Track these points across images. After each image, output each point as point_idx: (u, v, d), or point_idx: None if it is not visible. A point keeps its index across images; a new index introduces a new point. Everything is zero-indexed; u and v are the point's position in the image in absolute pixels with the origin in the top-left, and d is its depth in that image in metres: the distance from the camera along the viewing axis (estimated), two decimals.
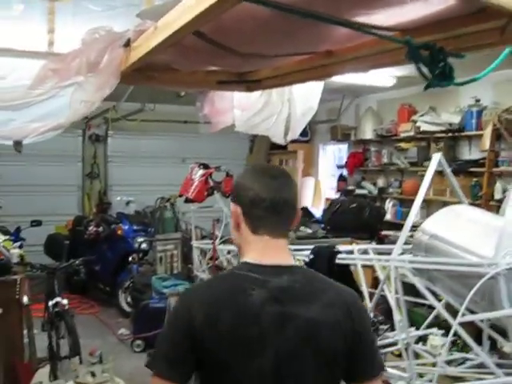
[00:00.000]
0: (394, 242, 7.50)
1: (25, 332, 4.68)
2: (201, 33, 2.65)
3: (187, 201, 6.31)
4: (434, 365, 3.91)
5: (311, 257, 3.87)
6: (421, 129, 8.48)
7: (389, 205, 9.17)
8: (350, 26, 2.21)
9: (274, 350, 1.57)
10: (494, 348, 4.01)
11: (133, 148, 11.15)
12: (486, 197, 7.17)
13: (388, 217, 8.91)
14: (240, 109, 5.36)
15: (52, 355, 4.95)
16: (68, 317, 4.95)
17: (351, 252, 4.27)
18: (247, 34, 2.65)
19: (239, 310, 1.59)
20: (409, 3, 2.00)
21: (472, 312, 3.52)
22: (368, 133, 9.70)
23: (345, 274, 3.89)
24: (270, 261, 1.68)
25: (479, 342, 3.84)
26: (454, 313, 3.56)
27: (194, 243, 6.28)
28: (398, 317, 3.63)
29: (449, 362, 4.03)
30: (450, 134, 8.00)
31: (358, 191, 9.83)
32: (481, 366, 3.76)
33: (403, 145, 8.96)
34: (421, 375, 3.91)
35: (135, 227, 8.57)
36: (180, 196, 6.54)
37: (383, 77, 7.91)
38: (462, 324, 3.46)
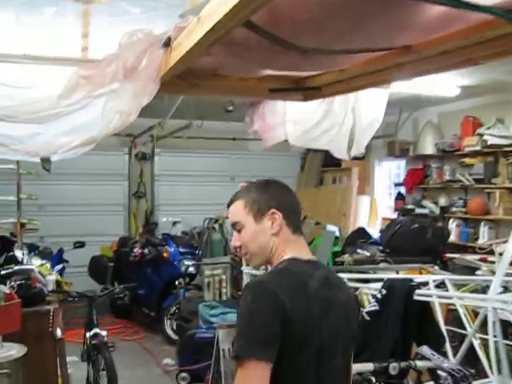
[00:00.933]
0: (460, 267, 6.96)
1: None
2: (252, 24, 2.17)
3: None
4: None
5: (384, 292, 3.30)
6: (488, 142, 7.81)
7: (452, 225, 8.50)
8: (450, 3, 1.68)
9: (328, 325, 1.87)
10: None
11: (180, 166, 10.79)
12: None
13: (452, 238, 8.23)
14: (293, 122, 4.99)
15: None
16: (106, 351, 4.51)
17: (425, 284, 3.68)
18: (309, 22, 2.15)
19: (307, 296, 1.84)
20: None
21: None
22: (428, 148, 9.06)
23: (424, 313, 3.30)
24: (306, 256, 1.98)
25: None
26: None
27: (245, 269, 5.75)
28: (494, 365, 3.02)
29: None
30: None
31: (418, 210, 9.17)
32: None
33: (468, 160, 8.29)
34: None
35: (182, 249, 8.11)
36: (227, 217, 6.06)
37: (446, 87, 7.30)
38: None
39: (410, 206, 9.37)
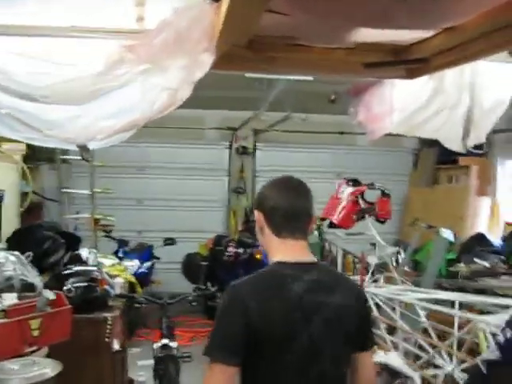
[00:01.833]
0: None
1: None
2: None
3: (331, 226, 5.10)
4: None
5: (509, 335, 2.38)
6: None
7: None
8: None
9: (312, 330, 1.90)
10: None
11: (282, 162, 10.14)
12: None
13: None
14: (400, 110, 4.28)
15: None
16: (173, 367, 3.97)
17: None
18: None
19: (285, 300, 1.89)
20: None
21: None
22: None
23: None
24: (298, 259, 1.99)
25: None
26: None
27: None
28: None
29: None
30: None
31: None
32: None
33: None
34: None
35: None
36: (322, 220, 5.36)
37: None
38: None
39: None
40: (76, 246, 4.27)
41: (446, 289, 5.06)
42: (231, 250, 7.88)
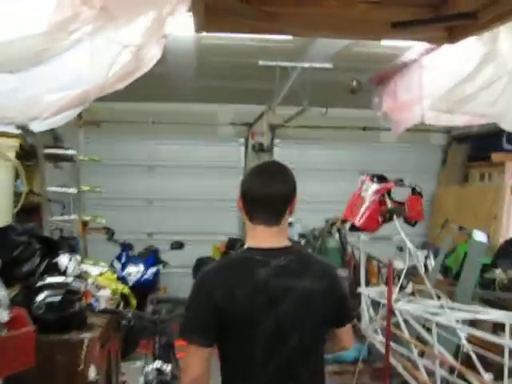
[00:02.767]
0: None
1: None
2: None
3: (353, 228, 4.43)
4: None
5: None
6: None
7: None
8: None
9: (278, 313, 1.99)
10: None
11: (301, 159, 9.54)
12: None
13: None
14: (431, 96, 3.81)
15: None
16: None
17: None
18: None
19: (251, 284, 1.99)
20: None
21: None
22: None
23: None
24: (267, 245, 2.05)
25: None
26: None
27: (363, 290, 4.35)
28: None
29: None
30: None
31: None
32: None
33: None
34: None
35: None
36: (344, 221, 4.70)
37: None
38: None
39: None
40: (55, 252, 3.68)
41: (486, 302, 4.36)
42: None
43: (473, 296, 4.54)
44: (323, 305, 2.08)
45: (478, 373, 2.95)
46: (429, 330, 3.45)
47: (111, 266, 6.74)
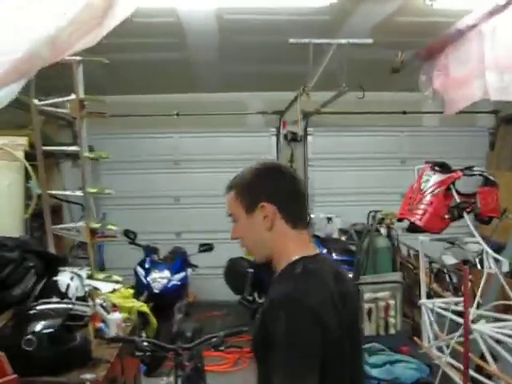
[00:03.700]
0: None
1: None
2: None
3: (412, 229, 3.67)
4: None
5: None
6: None
7: None
8: None
9: (349, 322, 1.75)
10: None
11: (338, 148, 8.95)
12: None
13: None
14: (497, 66, 3.56)
15: None
16: None
17: None
18: None
19: (331, 297, 1.69)
20: None
21: None
22: None
23: None
24: (313, 252, 1.81)
25: None
26: None
27: (425, 302, 3.63)
28: None
29: None
30: None
31: None
32: None
33: None
34: None
35: (335, 256, 6.09)
36: (399, 220, 3.99)
37: None
38: None
39: None
40: (54, 269, 3.06)
41: None
42: None
43: None
44: (358, 306, 2.05)
45: None
46: None
47: (134, 273, 6.17)
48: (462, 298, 3.34)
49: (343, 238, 7.08)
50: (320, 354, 1.60)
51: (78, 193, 3.89)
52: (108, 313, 3.18)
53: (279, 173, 1.81)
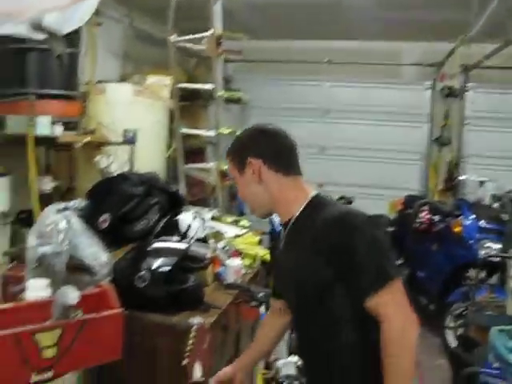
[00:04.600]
0: None
1: None
2: None
3: None
4: None
5: None
6: None
7: None
8: None
9: None
10: None
11: (502, 107, 8.07)
12: None
13: None
14: None
15: None
16: None
17: None
18: None
19: None
20: None
21: None
22: None
23: None
24: (314, 192, 1.93)
25: None
26: None
27: None
28: None
29: None
30: None
31: None
32: None
33: None
34: None
35: (483, 225, 5.58)
36: None
37: None
38: None
39: None
40: (178, 208, 3.03)
41: None
42: (424, 215, 6.18)
43: None
44: None
45: None
46: None
47: (270, 222, 6.08)
48: None
49: (495, 206, 6.47)
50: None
51: (211, 132, 3.82)
52: (228, 258, 3.11)
53: (262, 131, 1.95)
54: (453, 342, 5.18)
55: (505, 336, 3.62)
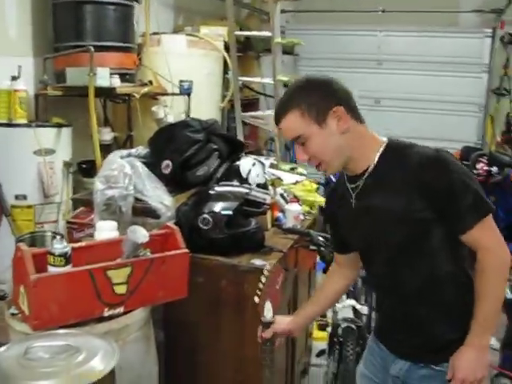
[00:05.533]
0: None
1: None
2: None
3: None
4: None
5: None
6: None
7: None
8: None
9: None
10: None
11: None
12: None
13: None
14: None
15: None
16: (352, 347, 2.63)
17: None
18: None
19: None
20: None
21: None
22: None
23: None
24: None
25: None
26: None
27: None
28: None
29: None
30: None
31: None
32: None
33: None
34: None
35: None
36: None
37: None
38: None
39: None
40: (238, 154, 3.06)
41: None
42: (481, 166, 6.05)
43: None
44: None
45: None
46: None
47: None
48: None
49: None
50: None
51: (268, 80, 3.81)
52: (287, 203, 3.14)
53: (329, 80, 1.81)
54: (508, 293, 5.12)
55: None
